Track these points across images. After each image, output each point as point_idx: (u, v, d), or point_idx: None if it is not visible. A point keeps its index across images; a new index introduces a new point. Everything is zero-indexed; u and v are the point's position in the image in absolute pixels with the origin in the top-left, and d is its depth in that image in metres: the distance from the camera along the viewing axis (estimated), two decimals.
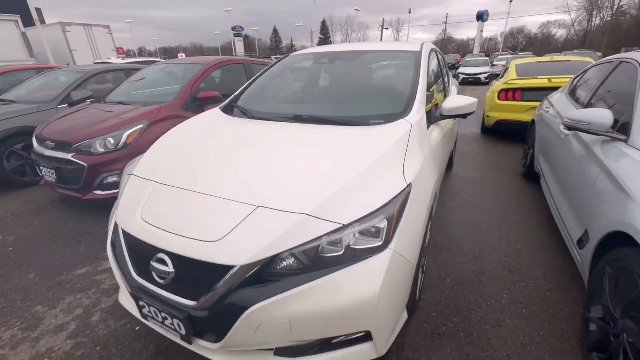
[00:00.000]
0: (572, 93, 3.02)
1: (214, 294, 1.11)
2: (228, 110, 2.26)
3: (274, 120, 1.96)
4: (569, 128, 2.04)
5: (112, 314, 1.84)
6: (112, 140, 2.81)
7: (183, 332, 1.22)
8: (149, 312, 1.29)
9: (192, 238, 1.18)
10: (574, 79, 3.29)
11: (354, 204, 1.20)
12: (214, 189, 1.34)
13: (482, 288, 1.97)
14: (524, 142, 4.06)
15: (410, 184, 1.33)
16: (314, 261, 1.13)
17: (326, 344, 1.21)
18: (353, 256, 1.15)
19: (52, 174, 2.93)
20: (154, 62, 8.46)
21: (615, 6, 48.44)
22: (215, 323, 1.15)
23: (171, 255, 1.19)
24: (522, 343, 1.59)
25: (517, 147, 4.75)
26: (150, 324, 1.36)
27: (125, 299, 1.57)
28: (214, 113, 2.25)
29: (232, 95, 2.48)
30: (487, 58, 20.87)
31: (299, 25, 52.68)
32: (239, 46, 49.15)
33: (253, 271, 1.10)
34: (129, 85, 3.89)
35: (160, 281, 1.23)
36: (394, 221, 1.21)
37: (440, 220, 2.75)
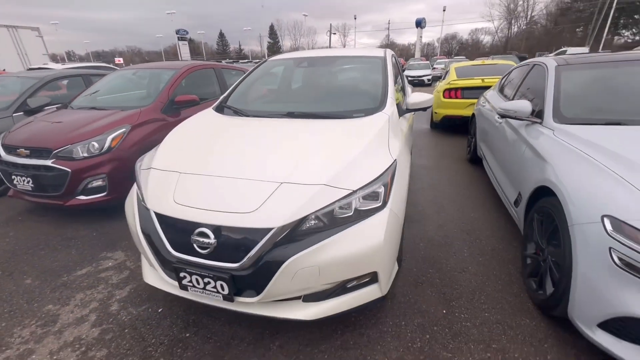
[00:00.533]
0: (501, 90, 3.71)
1: (255, 254, 1.38)
2: (222, 110, 2.47)
3: (270, 117, 2.23)
4: (502, 116, 2.61)
5: (130, 302, 1.97)
6: (96, 145, 2.83)
7: (226, 292, 1.45)
8: (190, 281, 1.50)
9: (231, 212, 1.43)
10: (502, 79, 4.01)
11: (358, 175, 1.54)
12: (240, 173, 1.60)
13: (448, 247, 2.44)
14: (467, 134, 4.78)
15: (395, 159, 1.71)
16: (331, 221, 1.45)
17: (343, 289, 1.53)
18: (360, 216, 1.49)
19: (28, 182, 2.84)
20: (102, 67, 8.05)
21: (529, 17, 55.56)
22: (256, 279, 1.41)
23: (212, 227, 1.43)
24: (482, 281, 2.06)
25: (462, 138, 5.50)
26: (188, 294, 1.57)
27: (154, 278, 1.75)
28: (210, 113, 2.45)
29: (222, 97, 2.69)
30: (428, 62, 22.95)
31: (247, 29, 52.17)
32: (184, 50, 47.14)
33: (287, 232, 1.38)
34: (98, 90, 3.83)
35: (202, 251, 1.45)
36: (388, 187, 1.57)
37: (409, 200, 3.21)
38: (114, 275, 2.23)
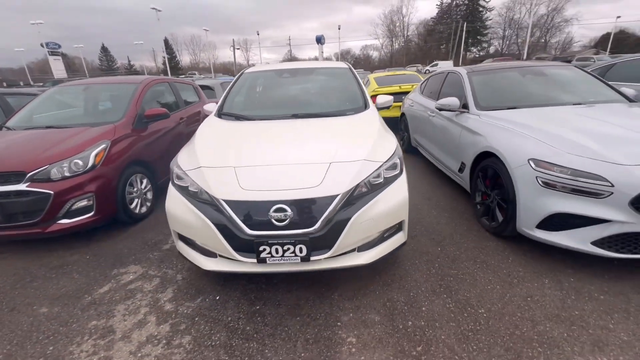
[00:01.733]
0: (424, 93, 4.78)
1: (327, 217, 1.78)
2: (226, 117, 2.71)
3: (278, 119, 2.60)
4: (440, 109, 3.53)
5: (183, 299, 2.07)
6: (80, 162, 2.67)
7: (304, 254, 1.80)
8: (269, 252, 1.79)
9: (301, 188, 1.80)
10: (422, 84, 5.13)
11: (380, 152, 2.09)
12: (291, 160, 1.97)
13: (420, 211, 3.18)
14: (398, 130, 5.82)
15: (396, 141, 2.32)
16: (371, 187, 1.95)
17: (381, 239, 2.03)
18: (387, 182, 2.03)
19: None
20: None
21: (405, 35, 65.62)
22: (328, 237, 1.80)
23: (288, 202, 1.77)
24: (453, 227, 2.82)
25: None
26: (266, 266, 1.84)
27: (217, 264, 1.94)
28: (218, 120, 2.66)
29: (218, 106, 2.90)
30: None
31: (139, 43, 47.54)
32: (58, 66, 40.44)
33: (347, 197, 1.83)
34: (41, 109, 3.45)
35: (280, 224, 1.77)
36: (401, 160, 2.16)
37: None
38: (145, 284, 2.24)
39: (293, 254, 1.80)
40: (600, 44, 45.84)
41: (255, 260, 1.83)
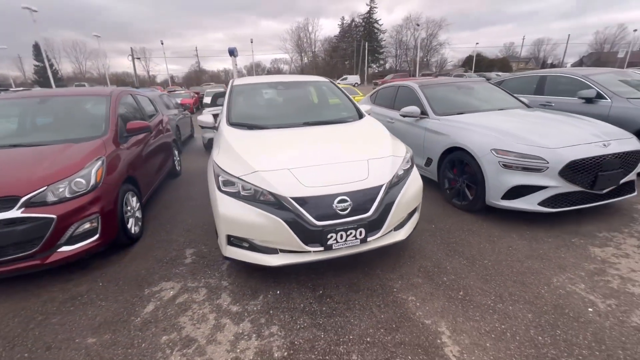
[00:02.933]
0: (377, 103, 5.53)
1: (378, 203, 2.17)
2: (238, 126, 2.83)
3: (293, 127, 2.86)
4: (403, 116, 4.25)
5: (244, 300, 2.15)
6: (82, 181, 2.41)
7: (362, 236, 2.14)
8: (335, 239, 2.08)
9: (355, 181, 2.15)
10: (371, 95, 5.89)
11: (400, 149, 2.58)
12: (334, 160, 2.29)
13: None
14: None
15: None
16: (399, 177, 2.42)
17: (408, 218, 2.51)
18: (405, 174, 2.52)
19: None
20: None
21: (313, 51, 69.53)
22: (379, 220, 2.19)
23: (347, 194, 2.10)
24: (435, 209, 3.50)
25: None
26: (332, 251, 2.12)
27: (283, 259, 2.12)
28: (235, 129, 2.77)
29: (225, 116, 2.98)
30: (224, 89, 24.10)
31: (2, 48, 38.31)
32: None
33: (389, 185, 2.26)
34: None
35: (343, 213, 2.09)
36: (412, 155, 2.70)
37: None
38: (194, 296, 2.22)
39: (354, 238, 2.13)
40: (467, 63, 57.06)
41: (322, 249, 2.09)
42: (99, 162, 2.63)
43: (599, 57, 60.75)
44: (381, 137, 2.73)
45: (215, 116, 3.29)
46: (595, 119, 3.59)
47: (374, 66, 63.78)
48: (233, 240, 2.22)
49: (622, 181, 2.92)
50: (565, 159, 2.73)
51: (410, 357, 1.66)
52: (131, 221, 2.97)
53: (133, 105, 3.97)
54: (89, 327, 1.97)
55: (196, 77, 69.83)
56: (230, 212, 2.12)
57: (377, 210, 2.16)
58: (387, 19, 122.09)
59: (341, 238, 2.09)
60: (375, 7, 62.49)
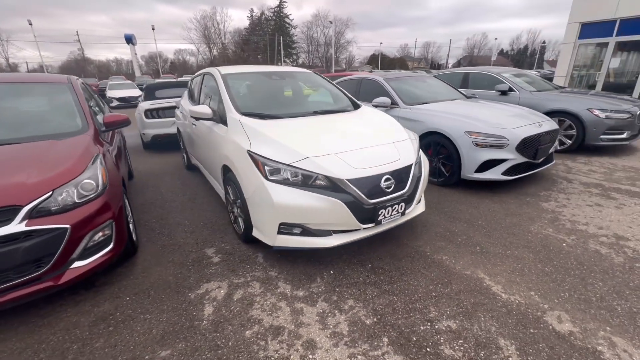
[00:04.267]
0: None
1: (411, 180, 2.47)
2: (252, 116, 2.75)
3: (305, 116, 2.91)
4: (375, 106, 4.63)
5: (305, 283, 2.19)
6: (92, 183, 2.03)
7: (402, 209, 2.41)
8: (384, 214, 2.30)
9: (393, 161, 2.40)
10: None
11: (410, 133, 2.91)
12: (369, 143, 2.48)
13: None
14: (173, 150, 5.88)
15: None
16: (418, 157, 2.76)
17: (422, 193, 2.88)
18: (420, 154, 2.88)
19: None
20: None
21: (223, 43, 65.90)
22: (411, 195, 2.49)
23: (390, 173, 2.33)
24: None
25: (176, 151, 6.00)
26: (381, 226, 2.33)
27: (339, 239, 2.24)
28: (253, 119, 2.67)
29: (233, 106, 2.83)
30: (130, 81, 21.10)
31: None
32: None
33: (416, 164, 2.57)
34: None
35: (388, 190, 2.32)
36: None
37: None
38: (250, 290, 2.15)
39: (396, 212, 2.38)
40: (372, 61, 62.34)
41: (372, 224, 2.28)
42: (98, 161, 2.24)
43: (471, 59, 73.67)
44: (391, 122, 3.01)
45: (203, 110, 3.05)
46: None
47: (288, 61, 64.18)
48: (283, 229, 2.22)
49: (550, 151, 3.88)
50: (519, 137, 3.50)
51: (472, 300, 2.01)
52: (131, 227, 2.60)
53: (90, 96, 3.37)
54: (151, 341, 1.75)
55: (78, 68, 58.80)
56: (285, 199, 2.13)
57: (410, 186, 2.45)
58: (297, 14, 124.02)
59: (388, 213, 2.32)
60: (285, 2, 62.73)
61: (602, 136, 4.93)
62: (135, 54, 34.61)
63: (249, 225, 2.52)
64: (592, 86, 10.33)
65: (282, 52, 54.50)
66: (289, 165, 2.18)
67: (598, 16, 9.78)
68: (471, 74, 6.65)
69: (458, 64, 73.01)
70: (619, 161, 4.83)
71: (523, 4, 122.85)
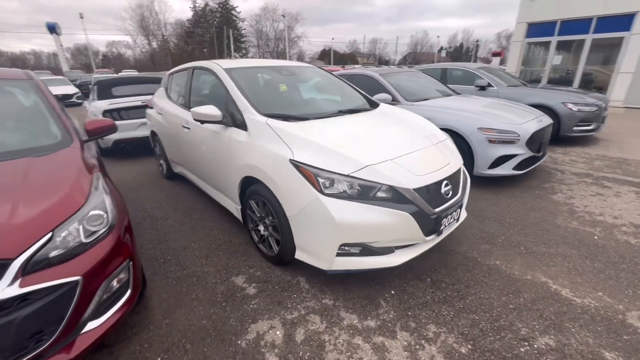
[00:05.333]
0: None
1: (462, 183, 2.31)
2: (275, 118, 2.35)
3: (332, 117, 2.59)
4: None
5: (371, 309, 1.91)
6: (101, 214, 1.50)
7: (457, 215, 2.24)
8: (444, 222, 2.10)
9: (445, 165, 2.21)
10: None
11: (443, 132, 2.75)
12: (417, 146, 2.26)
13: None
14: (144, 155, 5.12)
15: None
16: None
17: None
18: None
19: None
20: None
21: (164, 35, 61.02)
22: (463, 198, 2.33)
23: (448, 178, 2.14)
24: None
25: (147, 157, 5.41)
26: (441, 235, 2.12)
27: (404, 255, 2.00)
28: (277, 120, 2.28)
29: (251, 107, 2.40)
30: (61, 77, 18.52)
31: None
32: None
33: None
34: None
35: (447, 196, 2.13)
36: None
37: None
38: (310, 326, 1.81)
39: (453, 219, 2.20)
40: (322, 56, 62.58)
41: (434, 235, 2.07)
42: (101, 183, 1.70)
43: (415, 56, 77.77)
44: (423, 120, 2.82)
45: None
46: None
47: (238, 55, 61.64)
48: (342, 250, 1.91)
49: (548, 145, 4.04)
50: (529, 132, 3.56)
51: (551, 309, 1.91)
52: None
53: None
54: None
55: None
56: (348, 217, 1.82)
57: (462, 190, 2.29)
58: (243, 7, 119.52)
59: (447, 222, 2.13)
60: None
61: (575, 128, 5.33)
62: (61, 45, 30.29)
63: (288, 247, 2.15)
64: (538, 81, 11.37)
65: (232, 46, 52.11)
66: (348, 175, 1.86)
67: (542, 17, 10.73)
68: (449, 69, 6.79)
69: (404, 60, 76.66)
70: (590, 150, 5.27)
71: (458, 3, 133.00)
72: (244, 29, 62.69)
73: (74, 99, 13.77)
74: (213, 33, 57.35)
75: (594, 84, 10.43)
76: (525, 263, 2.36)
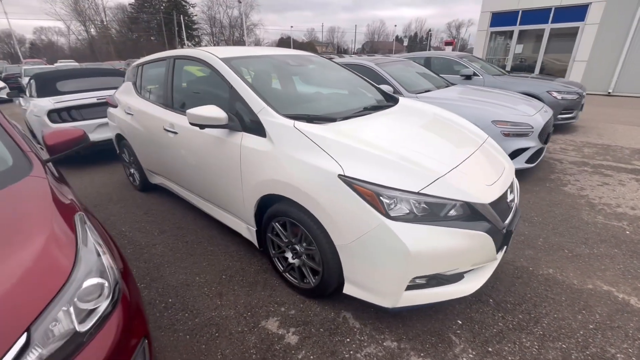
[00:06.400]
0: None
1: (517, 190, 2.05)
2: (303, 120, 1.91)
3: (360, 116, 2.19)
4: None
5: (437, 346, 1.60)
6: (100, 283, 0.99)
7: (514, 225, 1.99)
8: (510, 238, 1.84)
9: (504, 169, 1.93)
10: None
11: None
12: (467, 149, 1.95)
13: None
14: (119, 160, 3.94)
15: None
16: None
17: None
18: None
19: None
20: None
21: (104, 22, 55.13)
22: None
23: (511, 185, 1.87)
24: None
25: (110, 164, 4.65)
26: (503, 251, 1.85)
27: (475, 281, 1.70)
28: (306, 123, 1.83)
29: (269, 108, 1.92)
30: None
31: None
32: None
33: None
34: None
35: (512, 206, 1.86)
36: None
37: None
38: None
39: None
40: (281, 45, 60.83)
41: (503, 251, 1.80)
42: (87, 228, 1.17)
43: (372, 45, 78.76)
44: (457, 117, 2.52)
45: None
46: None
47: (190, 44, 57.75)
48: (411, 282, 1.56)
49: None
50: (540, 123, 3.45)
51: (632, 324, 1.74)
52: None
53: None
54: None
55: None
56: (422, 245, 1.46)
57: (518, 195, 2.05)
58: None
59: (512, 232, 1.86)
60: None
61: (559, 116, 5.45)
62: None
63: (331, 280, 1.76)
64: (503, 67, 11.79)
65: (184, 34, 48.61)
66: (418, 193, 1.50)
67: (505, 7, 11.06)
68: (433, 58, 6.65)
69: (362, 49, 77.30)
70: (574, 138, 5.43)
71: None
72: (195, 15, 58.78)
73: (2, 95, 11.70)
74: (161, 19, 52.94)
75: (552, 72, 11.06)
76: (578, 269, 2.19)
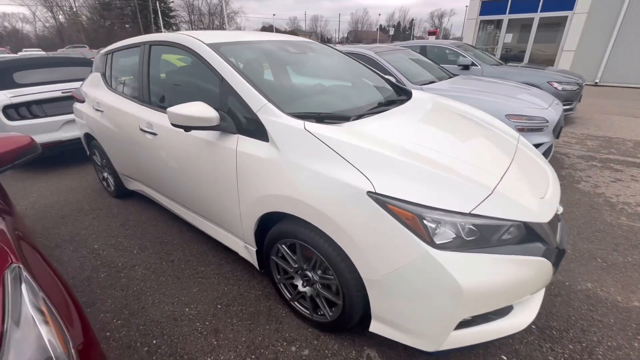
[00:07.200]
0: None
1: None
2: (311, 119, 1.56)
3: (377, 113, 1.86)
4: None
5: None
6: None
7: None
8: (562, 258, 1.58)
9: (549, 176, 1.67)
10: None
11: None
12: (505, 154, 1.67)
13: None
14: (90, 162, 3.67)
15: None
16: None
17: None
18: None
19: None
20: None
21: (74, 8, 51.85)
22: None
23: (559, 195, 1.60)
24: None
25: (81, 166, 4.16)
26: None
27: (527, 312, 1.43)
28: (323, 125, 1.49)
29: (273, 106, 1.56)
30: None
31: None
32: None
33: None
34: None
35: (559, 218, 1.59)
36: None
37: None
38: None
39: None
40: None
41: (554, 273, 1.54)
42: (25, 293, 0.79)
43: (356, 34, 77.95)
44: (483, 114, 2.23)
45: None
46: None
47: (167, 31, 55.29)
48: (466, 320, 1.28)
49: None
50: (555, 117, 3.22)
51: None
52: None
53: None
54: None
55: None
56: (476, 279, 1.17)
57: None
58: None
59: None
60: None
61: None
62: None
63: (354, 315, 1.45)
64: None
65: (160, 21, 46.37)
66: (470, 214, 1.19)
67: None
68: (428, 47, 6.35)
69: (346, 38, 76.41)
70: (574, 130, 5.30)
71: None
72: (172, 2, 56.10)
73: None
74: (135, 6, 50.24)
75: (541, 61, 11.03)
76: (617, 282, 1.98)
